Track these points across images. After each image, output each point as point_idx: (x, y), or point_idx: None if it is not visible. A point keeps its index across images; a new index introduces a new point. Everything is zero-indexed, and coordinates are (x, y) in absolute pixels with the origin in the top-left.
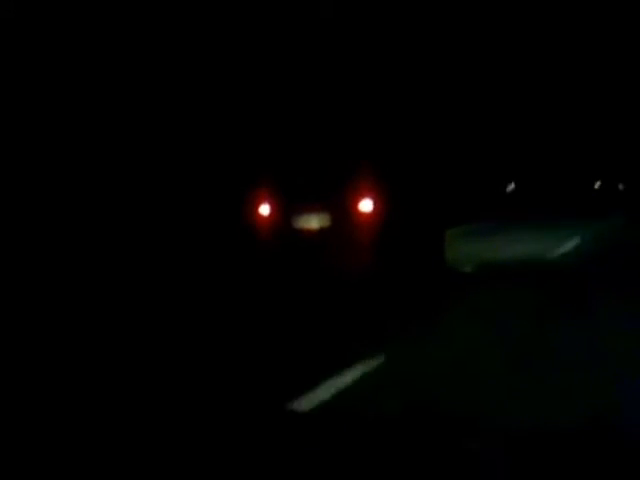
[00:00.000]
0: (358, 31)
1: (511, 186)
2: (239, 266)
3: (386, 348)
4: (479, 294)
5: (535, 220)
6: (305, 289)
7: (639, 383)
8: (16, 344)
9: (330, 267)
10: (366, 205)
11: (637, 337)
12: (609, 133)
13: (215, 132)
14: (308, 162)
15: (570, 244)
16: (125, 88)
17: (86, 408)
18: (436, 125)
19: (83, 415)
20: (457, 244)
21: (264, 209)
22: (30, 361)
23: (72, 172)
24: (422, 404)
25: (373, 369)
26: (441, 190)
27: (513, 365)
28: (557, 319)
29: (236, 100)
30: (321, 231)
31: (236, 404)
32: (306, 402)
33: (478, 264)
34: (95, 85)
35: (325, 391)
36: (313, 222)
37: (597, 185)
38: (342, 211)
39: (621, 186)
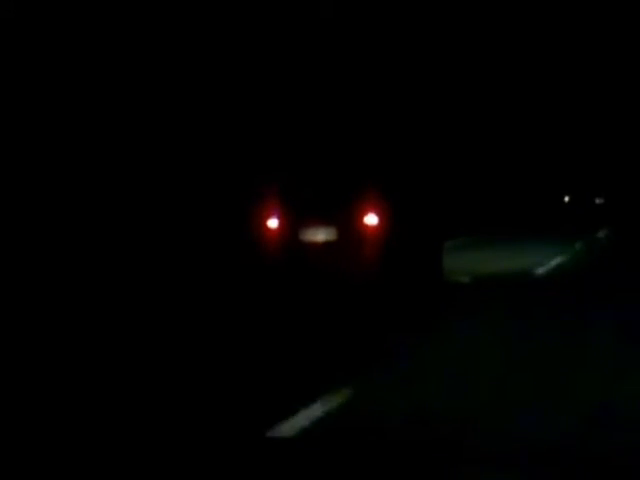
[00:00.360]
0: (358, 31)
1: None
2: (246, 278)
3: (388, 362)
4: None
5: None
6: (311, 299)
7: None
8: (16, 344)
9: (336, 278)
10: (371, 219)
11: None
12: (586, 145)
13: (224, 145)
14: (316, 177)
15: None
16: (125, 89)
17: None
18: (434, 145)
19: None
20: None
21: (272, 222)
22: (30, 361)
23: (72, 174)
24: (423, 417)
25: (375, 384)
26: (439, 205)
27: (512, 365)
28: None
29: (245, 114)
30: (327, 244)
31: (222, 423)
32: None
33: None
34: (95, 85)
35: (322, 406)
36: (320, 235)
37: (566, 199)
38: (348, 225)
39: (598, 200)
